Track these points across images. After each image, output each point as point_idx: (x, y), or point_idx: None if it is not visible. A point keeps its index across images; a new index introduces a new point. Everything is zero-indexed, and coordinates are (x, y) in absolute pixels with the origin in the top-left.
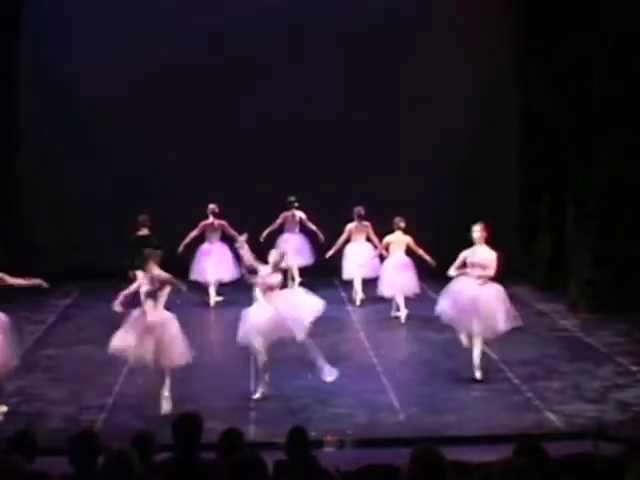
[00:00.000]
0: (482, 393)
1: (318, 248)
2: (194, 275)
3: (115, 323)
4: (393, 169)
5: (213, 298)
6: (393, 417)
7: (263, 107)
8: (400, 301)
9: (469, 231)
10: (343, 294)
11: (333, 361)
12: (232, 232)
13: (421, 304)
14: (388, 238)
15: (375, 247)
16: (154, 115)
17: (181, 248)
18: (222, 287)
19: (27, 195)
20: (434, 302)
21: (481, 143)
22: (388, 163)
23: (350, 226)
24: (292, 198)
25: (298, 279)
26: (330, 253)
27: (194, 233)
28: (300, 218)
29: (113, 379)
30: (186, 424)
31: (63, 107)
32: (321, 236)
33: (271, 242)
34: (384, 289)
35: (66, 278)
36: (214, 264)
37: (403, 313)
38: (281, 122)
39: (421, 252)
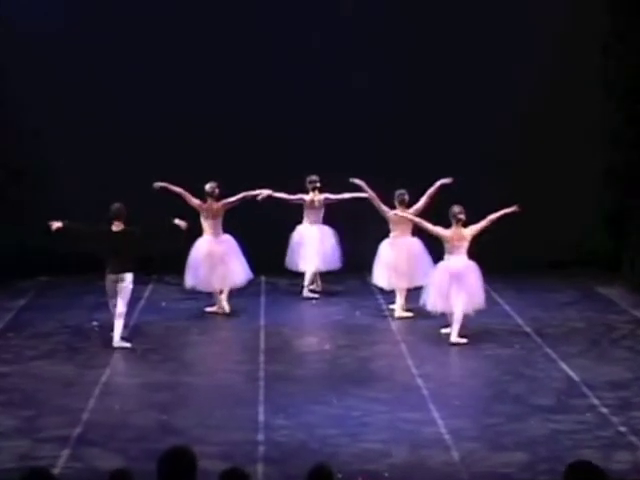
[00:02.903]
0: (560, 425)
1: (348, 244)
2: (191, 281)
3: (82, 329)
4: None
5: (222, 307)
6: (443, 455)
7: (278, 69)
8: (456, 318)
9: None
10: (379, 296)
11: (365, 381)
12: (234, 199)
13: (481, 310)
14: (442, 234)
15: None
16: (143, 80)
17: (157, 184)
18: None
19: None
20: (498, 307)
21: (557, 107)
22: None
23: (390, 214)
24: (314, 177)
25: (316, 290)
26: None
27: (184, 194)
28: (326, 200)
29: (80, 404)
30: (175, 462)
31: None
32: (368, 193)
33: (278, 222)
34: (434, 304)
35: (20, 273)
36: (217, 267)
37: (454, 333)
38: (302, 85)
39: (498, 215)
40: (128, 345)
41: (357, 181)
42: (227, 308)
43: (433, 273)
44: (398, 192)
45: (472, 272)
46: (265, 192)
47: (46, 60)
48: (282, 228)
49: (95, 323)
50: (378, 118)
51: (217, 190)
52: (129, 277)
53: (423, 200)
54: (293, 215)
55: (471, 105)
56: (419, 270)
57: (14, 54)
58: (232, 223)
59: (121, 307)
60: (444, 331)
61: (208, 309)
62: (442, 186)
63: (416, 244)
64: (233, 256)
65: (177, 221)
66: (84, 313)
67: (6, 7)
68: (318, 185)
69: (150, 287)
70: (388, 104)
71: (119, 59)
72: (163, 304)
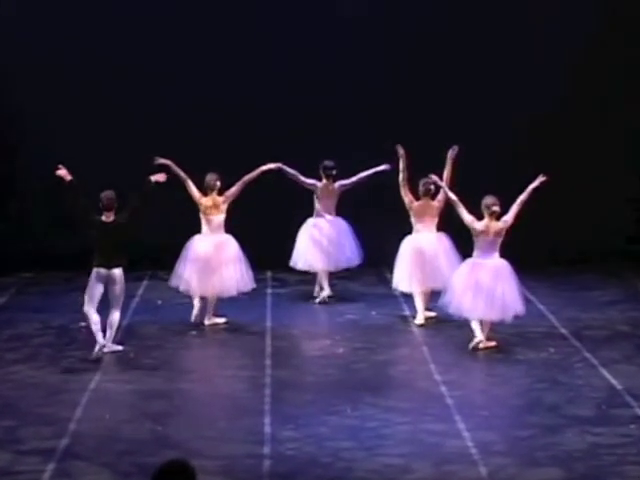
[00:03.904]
0: (600, 438)
1: (364, 235)
2: (178, 281)
3: (68, 331)
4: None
5: (210, 319)
6: (470, 471)
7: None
8: (476, 326)
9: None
10: (398, 294)
11: (382, 388)
12: (235, 189)
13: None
14: (474, 226)
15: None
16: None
17: (159, 160)
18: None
19: None
20: (531, 306)
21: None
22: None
23: (414, 205)
24: (328, 163)
25: (327, 290)
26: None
27: (187, 181)
28: (341, 188)
29: (67, 413)
30: (172, 478)
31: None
32: (402, 170)
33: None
34: (457, 309)
35: (0, 269)
36: (211, 272)
37: (478, 338)
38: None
39: (527, 192)
40: (119, 348)
41: (401, 151)
42: (211, 320)
43: (460, 272)
44: (423, 181)
45: (506, 273)
46: (271, 165)
47: (47, 49)
48: (291, 218)
49: (82, 324)
50: (387, 110)
51: (218, 183)
52: (120, 275)
53: (445, 186)
54: (303, 204)
55: (478, 100)
56: (445, 270)
57: (15, 41)
58: (236, 212)
59: (115, 315)
60: (473, 345)
61: (207, 322)
62: (454, 160)
63: (443, 240)
64: (231, 262)
65: (154, 177)
66: (70, 313)
67: None
68: (334, 173)
69: (144, 283)
70: (391, 99)
71: (120, 52)
72: (159, 302)
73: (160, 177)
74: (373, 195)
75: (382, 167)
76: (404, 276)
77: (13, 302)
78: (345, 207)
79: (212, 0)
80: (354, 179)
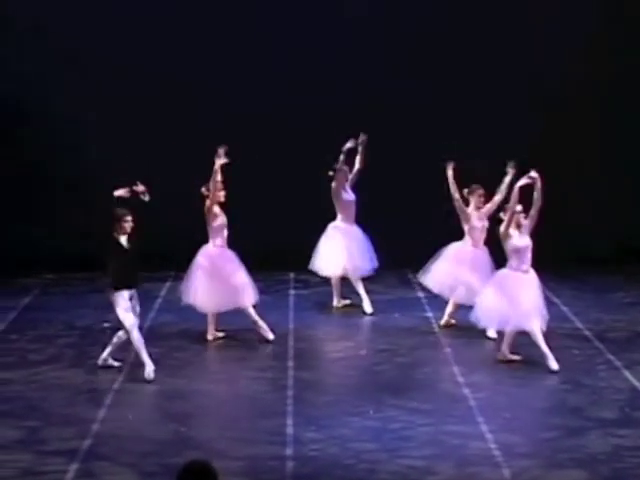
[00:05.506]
0: (624, 440)
1: (389, 238)
2: (192, 298)
3: (92, 331)
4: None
5: (212, 334)
6: (493, 473)
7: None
8: (507, 341)
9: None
10: (421, 295)
11: (405, 390)
12: (211, 185)
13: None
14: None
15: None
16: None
17: (222, 152)
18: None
19: None
20: (554, 308)
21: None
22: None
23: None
24: (339, 163)
25: (336, 299)
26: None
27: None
28: (350, 184)
29: (90, 413)
30: (195, 477)
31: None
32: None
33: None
34: (486, 320)
35: (24, 270)
36: (226, 284)
37: (506, 352)
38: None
39: (515, 195)
40: (115, 364)
41: (512, 173)
42: (211, 336)
43: (488, 289)
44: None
45: (528, 282)
46: (220, 161)
47: (47, 49)
48: (315, 219)
49: (106, 324)
50: (393, 110)
51: (203, 189)
52: (110, 295)
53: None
54: (328, 204)
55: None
56: (474, 286)
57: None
58: (259, 214)
59: (120, 332)
60: (506, 356)
61: (210, 337)
62: (455, 172)
63: (480, 255)
64: (233, 273)
65: (117, 193)
66: (93, 313)
67: None
68: (330, 173)
69: (167, 285)
70: (392, 99)
71: (120, 52)
72: (182, 303)
73: (122, 192)
74: (396, 197)
75: (347, 145)
76: (437, 278)
77: (37, 303)
78: (367, 209)
79: (212, 0)
80: (355, 172)
